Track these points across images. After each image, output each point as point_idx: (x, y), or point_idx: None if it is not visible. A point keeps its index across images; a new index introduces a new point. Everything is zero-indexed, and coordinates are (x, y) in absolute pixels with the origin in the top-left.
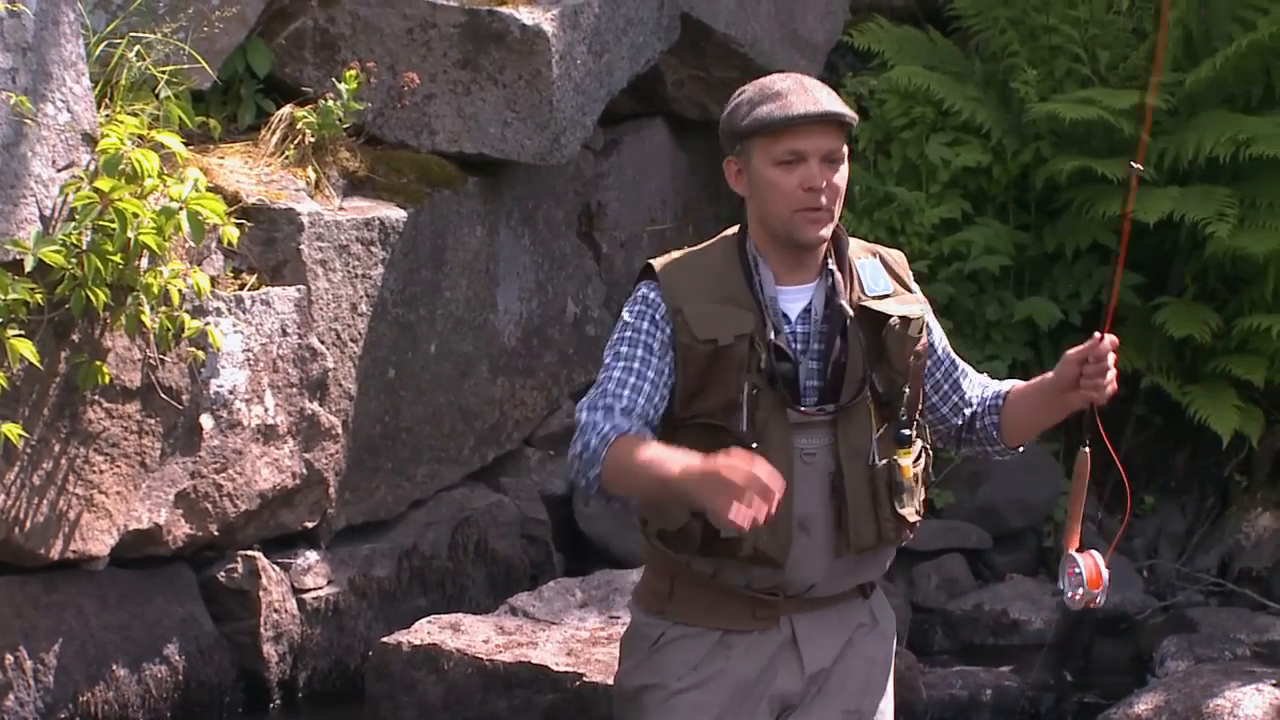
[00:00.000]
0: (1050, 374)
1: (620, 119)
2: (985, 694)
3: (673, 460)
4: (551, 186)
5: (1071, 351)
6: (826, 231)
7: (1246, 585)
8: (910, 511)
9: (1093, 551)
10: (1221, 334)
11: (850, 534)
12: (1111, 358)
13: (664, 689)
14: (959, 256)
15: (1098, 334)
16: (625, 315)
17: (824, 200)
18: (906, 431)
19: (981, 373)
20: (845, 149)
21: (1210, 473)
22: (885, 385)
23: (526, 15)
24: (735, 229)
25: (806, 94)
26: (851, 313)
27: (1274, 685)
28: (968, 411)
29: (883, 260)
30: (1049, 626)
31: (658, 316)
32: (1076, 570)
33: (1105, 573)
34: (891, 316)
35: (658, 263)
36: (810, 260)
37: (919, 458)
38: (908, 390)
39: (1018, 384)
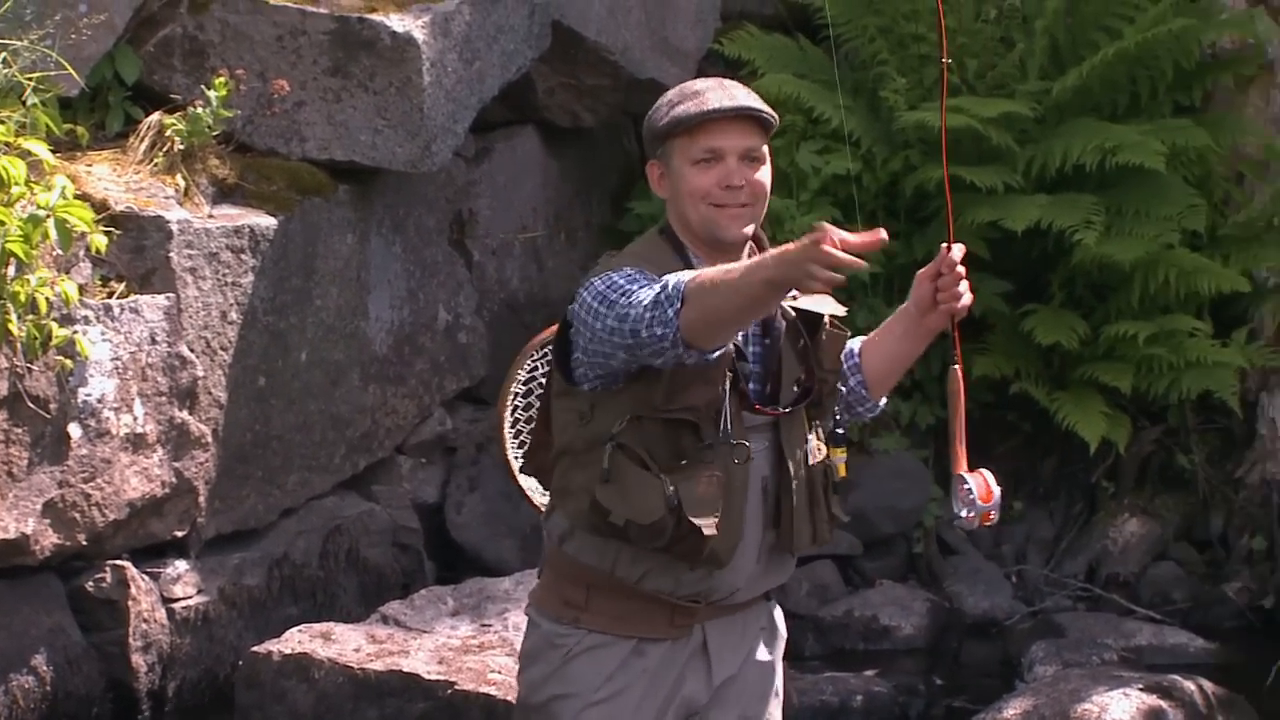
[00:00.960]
0: (904, 305)
1: (491, 126)
2: (856, 700)
3: (758, 259)
4: (423, 194)
5: (922, 270)
6: (749, 229)
7: (1114, 590)
8: (841, 511)
9: (981, 470)
10: (1089, 341)
11: (792, 536)
12: (961, 269)
13: (579, 699)
14: None
15: (944, 245)
16: (612, 274)
17: (744, 198)
18: (841, 431)
19: None
20: (766, 149)
21: (1078, 479)
22: (818, 385)
23: (397, 22)
24: (655, 233)
25: (724, 91)
26: (792, 314)
27: (1141, 689)
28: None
29: None
30: (919, 632)
31: None
32: (966, 487)
33: (996, 490)
34: (825, 317)
35: (611, 254)
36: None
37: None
38: (841, 389)
39: (864, 338)
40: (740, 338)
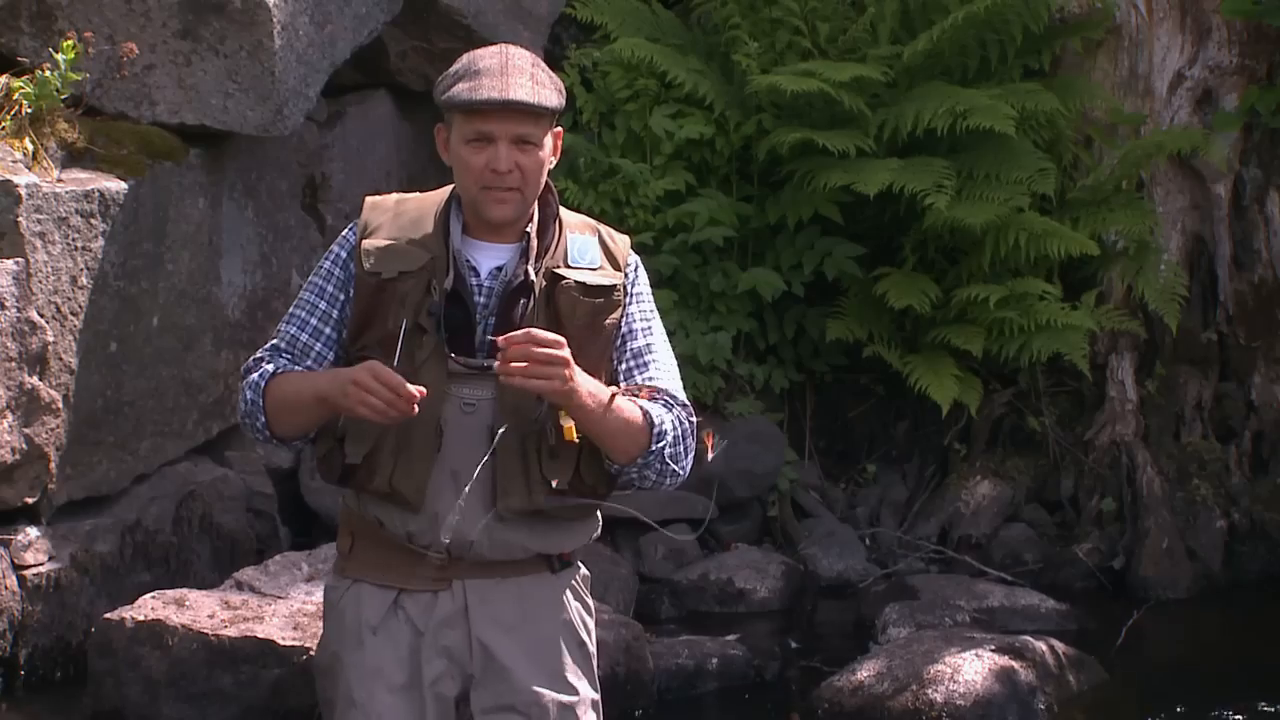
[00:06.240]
0: None
1: (344, 90)
2: (711, 663)
3: (318, 377)
4: (275, 158)
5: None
6: (514, 212)
7: (966, 552)
8: (563, 480)
9: None
10: (940, 304)
11: (500, 492)
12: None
13: (344, 652)
14: (683, 228)
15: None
16: (311, 283)
17: (511, 182)
18: None
19: (706, 341)
20: (542, 132)
21: (931, 441)
22: None
23: None
24: (444, 194)
25: (501, 78)
26: (535, 278)
27: (993, 650)
28: None
29: (602, 240)
30: (774, 595)
31: (344, 252)
32: None
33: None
34: (567, 279)
35: (371, 198)
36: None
37: None
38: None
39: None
40: (473, 289)
